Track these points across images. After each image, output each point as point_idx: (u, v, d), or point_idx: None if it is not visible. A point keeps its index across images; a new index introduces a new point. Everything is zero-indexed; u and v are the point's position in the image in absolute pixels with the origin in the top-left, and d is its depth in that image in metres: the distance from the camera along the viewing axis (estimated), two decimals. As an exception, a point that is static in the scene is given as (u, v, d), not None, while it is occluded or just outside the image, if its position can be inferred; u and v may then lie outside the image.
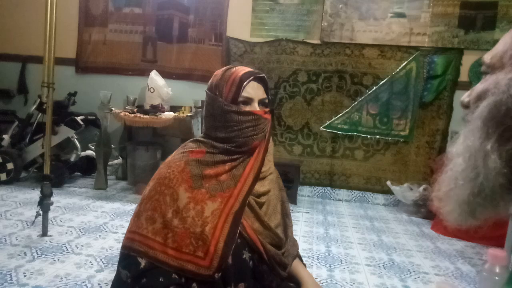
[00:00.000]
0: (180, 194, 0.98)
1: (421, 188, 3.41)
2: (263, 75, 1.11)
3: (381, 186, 3.77)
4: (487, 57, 0.56)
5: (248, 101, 1.06)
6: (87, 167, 3.97)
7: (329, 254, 2.36)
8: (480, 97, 0.53)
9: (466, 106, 0.58)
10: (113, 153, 3.93)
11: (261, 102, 1.08)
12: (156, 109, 3.61)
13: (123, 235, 1.03)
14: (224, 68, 1.12)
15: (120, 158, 4.01)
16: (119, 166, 4.03)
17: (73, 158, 3.68)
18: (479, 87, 0.55)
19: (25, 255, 2.07)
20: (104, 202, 3.16)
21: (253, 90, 1.07)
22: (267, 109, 1.09)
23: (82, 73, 4.22)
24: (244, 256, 1.02)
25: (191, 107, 3.72)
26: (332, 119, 3.82)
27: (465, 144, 0.52)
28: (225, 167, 1.03)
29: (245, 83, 1.04)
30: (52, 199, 2.35)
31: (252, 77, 1.06)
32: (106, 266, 2.01)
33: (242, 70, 1.08)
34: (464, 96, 0.59)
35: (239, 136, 1.03)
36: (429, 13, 3.63)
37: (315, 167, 3.88)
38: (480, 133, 0.50)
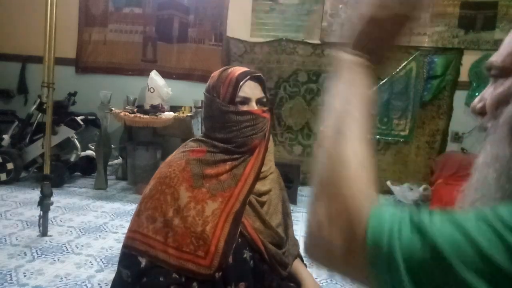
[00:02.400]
0: (181, 193, 0.98)
1: (421, 188, 3.41)
2: (260, 74, 1.11)
3: (381, 186, 3.77)
4: (497, 60, 0.53)
5: (245, 101, 1.06)
6: (87, 167, 3.96)
7: (329, 254, 2.36)
8: (500, 102, 0.51)
9: (479, 112, 0.55)
10: (113, 153, 3.93)
11: (259, 102, 1.08)
12: (156, 109, 3.61)
13: (123, 235, 1.03)
14: (221, 69, 1.12)
15: (120, 158, 4.01)
16: (119, 166, 4.03)
17: (73, 158, 3.68)
18: (496, 91, 0.52)
19: (25, 255, 2.07)
20: (104, 202, 3.16)
21: (250, 90, 1.07)
22: (265, 108, 1.09)
23: (82, 73, 4.22)
24: (245, 256, 1.02)
25: (191, 107, 3.72)
26: (332, 119, 3.82)
27: (493, 152, 0.50)
28: (226, 167, 1.03)
29: (241, 83, 1.05)
30: (52, 199, 2.35)
31: (248, 77, 1.06)
32: (106, 266, 2.01)
33: (238, 70, 1.08)
34: (475, 102, 0.56)
35: (238, 136, 1.03)
36: (429, 13, 3.63)
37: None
38: (510, 139, 0.47)
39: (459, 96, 3.67)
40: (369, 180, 0.45)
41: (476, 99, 0.56)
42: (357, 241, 0.40)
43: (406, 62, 3.67)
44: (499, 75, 0.52)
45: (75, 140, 3.68)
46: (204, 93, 1.11)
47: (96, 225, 2.62)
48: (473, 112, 0.56)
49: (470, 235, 0.35)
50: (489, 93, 0.53)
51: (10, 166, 3.43)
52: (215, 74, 1.11)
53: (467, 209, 0.39)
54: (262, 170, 1.08)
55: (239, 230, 1.01)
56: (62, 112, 3.59)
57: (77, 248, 2.22)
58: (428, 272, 0.36)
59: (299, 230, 2.76)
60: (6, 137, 3.64)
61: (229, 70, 1.08)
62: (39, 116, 3.60)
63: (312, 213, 0.46)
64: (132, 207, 3.06)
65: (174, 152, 1.10)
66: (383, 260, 0.38)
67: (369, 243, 0.39)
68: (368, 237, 0.39)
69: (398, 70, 3.69)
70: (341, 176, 0.45)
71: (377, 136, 3.77)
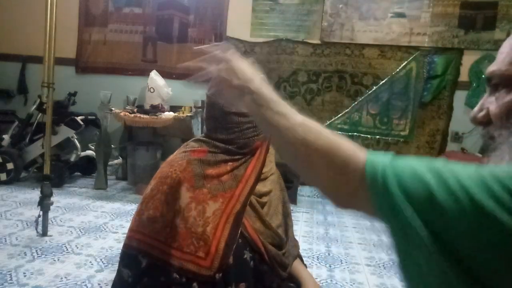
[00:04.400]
0: (182, 193, 0.98)
1: (421, 188, 3.41)
2: (263, 75, 1.11)
3: (381, 186, 3.76)
4: (500, 69, 0.52)
5: None
6: (87, 167, 3.96)
7: (329, 254, 2.36)
8: (511, 111, 0.51)
9: (481, 121, 0.54)
10: (113, 153, 3.93)
11: (261, 103, 1.08)
12: (156, 109, 3.61)
13: (123, 235, 1.04)
14: None
15: (120, 158, 4.01)
16: (119, 166, 4.03)
17: (73, 158, 3.68)
18: (504, 100, 0.51)
19: (25, 255, 2.07)
20: (104, 202, 3.16)
21: None
22: (267, 109, 1.08)
23: (82, 73, 4.22)
24: (245, 256, 1.02)
25: (191, 107, 3.72)
26: (332, 119, 3.81)
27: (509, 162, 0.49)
28: (227, 167, 1.03)
29: None
30: (52, 199, 2.35)
31: None
32: (106, 266, 2.01)
33: None
34: (475, 111, 0.55)
35: (239, 137, 1.03)
36: (429, 13, 3.63)
37: (315, 167, 3.87)
38: None
39: (459, 96, 3.67)
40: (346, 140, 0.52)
41: (476, 109, 0.55)
42: (357, 180, 0.48)
43: (406, 62, 3.67)
44: (502, 84, 0.52)
45: (75, 140, 3.67)
46: (206, 93, 1.11)
47: (96, 225, 2.62)
48: (473, 122, 0.56)
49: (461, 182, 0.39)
50: (490, 102, 0.53)
51: (10, 166, 3.43)
52: None
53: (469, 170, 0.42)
54: (263, 171, 1.08)
55: (239, 231, 1.01)
56: (62, 112, 3.59)
57: (77, 248, 2.22)
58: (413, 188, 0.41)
59: (299, 230, 2.76)
60: (6, 137, 3.64)
61: None
62: (39, 116, 3.60)
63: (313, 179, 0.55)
64: (132, 207, 3.06)
65: (176, 152, 1.10)
66: (379, 187, 0.44)
67: (367, 176, 0.46)
68: (366, 172, 0.47)
69: (398, 70, 3.69)
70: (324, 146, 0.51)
71: (377, 136, 3.77)
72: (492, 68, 0.54)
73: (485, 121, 0.54)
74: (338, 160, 0.50)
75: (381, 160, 0.47)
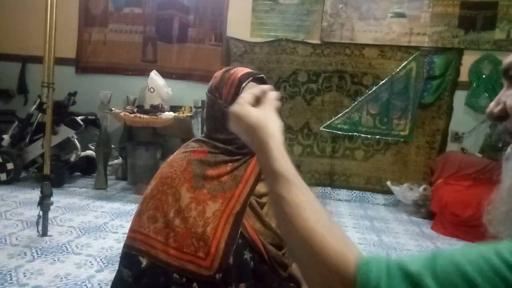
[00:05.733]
0: (182, 194, 0.98)
1: (421, 188, 3.41)
2: (262, 75, 1.11)
3: (381, 186, 3.76)
4: None
5: None
6: (87, 167, 3.96)
7: (329, 254, 2.36)
8: None
9: (498, 116, 0.52)
10: (113, 153, 3.93)
11: (261, 103, 1.08)
12: (156, 109, 3.61)
13: (123, 235, 1.04)
14: (224, 69, 1.12)
15: (120, 158, 4.01)
16: (119, 166, 4.03)
17: (73, 158, 3.68)
18: None
19: (25, 255, 2.07)
20: (104, 202, 3.16)
21: None
22: (267, 110, 1.08)
23: (82, 73, 4.22)
24: (245, 257, 1.02)
25: (191, 107, 3.72)
26: (332, 119, 3.81)
27: None
28: (227, 168, 1.04)
29: (244, 84, 1.05)
30: (52, 199, 2.35)
31: (250, 78, 1.06)
32: (106, 266, 2.01)
33: (241, 71, 1.08)
34: (491, 106, 0.53)
35: (239, 137, 1.03)
36: (429, 13, 3.63)
37: (315, 167, 3.87)
38: None
39: (459, 96, 3.67)
40: (339, 232, 0.45)
41: (492, 104, 0.53)
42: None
43: (406, 62, 3.67)
44: None
45: (75, 140, 3.67)
46: (206, 93, 1.11)
47: (96, 225, 2.62)
48: (489, 117, 0.53)
49: (468, 276, 0.35)
50: (508, 95, 0.51)
51: (10, 166, 3.43)
52: (218, 74, 1.11)
53: (469, 247, 0.39)
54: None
55: (239, 231, 1.01)
56: (62, 112, 3.58)
57: (77, 248, 2.22)
58: None
59: (299, 230, 2.77)
60: (6, 137, 3.64)
61: (232, 71, 1.08)
62: (39, 116, 3.59)
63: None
64: (132, 207, 3.06)
65: (176, 152, 1.10)
66: None
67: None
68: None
69: (398, 70, 3.69)
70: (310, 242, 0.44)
71: (377, 136, 3.77)
72: (509, 59, 0.52)
73: (502, 116, 0.52)
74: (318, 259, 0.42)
75: (376, 270, 0.39)
